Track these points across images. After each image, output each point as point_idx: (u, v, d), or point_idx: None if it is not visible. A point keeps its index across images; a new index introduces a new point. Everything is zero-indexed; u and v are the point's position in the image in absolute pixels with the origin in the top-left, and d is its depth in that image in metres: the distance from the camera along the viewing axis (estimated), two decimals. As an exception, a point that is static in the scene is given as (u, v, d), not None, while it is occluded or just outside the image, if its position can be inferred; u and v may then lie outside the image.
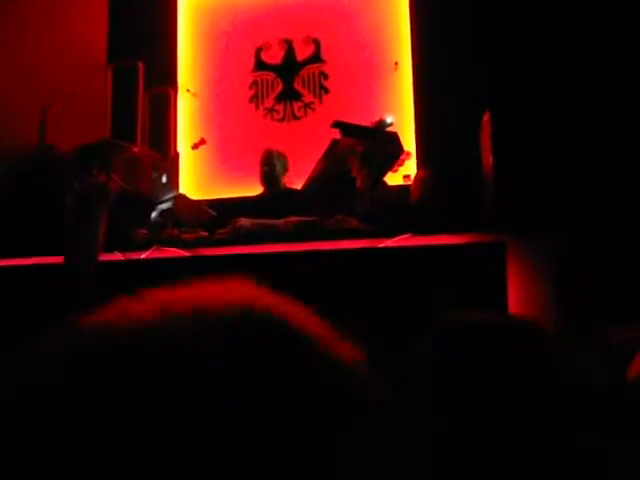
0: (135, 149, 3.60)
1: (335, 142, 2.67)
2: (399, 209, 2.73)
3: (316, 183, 2.72)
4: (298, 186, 3.20)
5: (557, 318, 2.05)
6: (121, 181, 3.10)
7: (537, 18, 3.57)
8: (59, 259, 2.47)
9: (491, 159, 2.52)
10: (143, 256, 2.65)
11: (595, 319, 1.96)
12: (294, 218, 2.63)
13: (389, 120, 3.05)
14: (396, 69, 3.88)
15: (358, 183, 2.63)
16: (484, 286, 2.08)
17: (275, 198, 3.15)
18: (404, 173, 3.48)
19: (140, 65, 3.99)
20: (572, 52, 3.36)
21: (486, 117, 2.70)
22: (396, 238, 2.34)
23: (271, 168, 3.19)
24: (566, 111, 2.91)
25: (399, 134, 2.85)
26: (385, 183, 2.90)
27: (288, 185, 3.28)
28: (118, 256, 2.68)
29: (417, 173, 3.16)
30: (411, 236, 2.34)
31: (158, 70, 4.15)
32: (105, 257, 2.68)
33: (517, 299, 2.08)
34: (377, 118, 3.05)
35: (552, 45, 3.44)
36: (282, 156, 3.26)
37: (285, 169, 3.25)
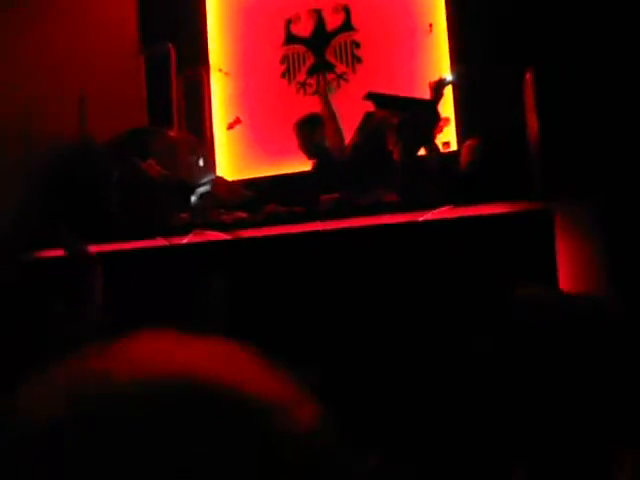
0: (171, 134, 3.63)
1: (369, 115, 2.59)
2: (440, 179, 2.64)
3: (350, 158, 2.66)
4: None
5: (607, 288, 1.95)
6: (159, 166, 3.14)
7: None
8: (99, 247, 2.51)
9: (536, 121, 2.39)
10: (185, 240, 2.69)
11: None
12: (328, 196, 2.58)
13: (448, 79, 2.96)
14: (431, 31, 3.72)
15: (395, 156, 2.56)
16: (532, 256, 2.00)
17: (326, 168, 2.95)
18: (443, 140, 3.36)
19: (171, 48, 3.98)
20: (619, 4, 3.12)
21: (528, 75, 2.55)
22: (436, 210, 2.26)
23: (306, 139, 3.07)
24: (615, 64, 2.71)
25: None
26: (437, 149, 2.79)
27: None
28: (161, 241, 2.74)
29: (466, 141, 3.01)
30: (452, 207, 2.26)
31: (190, 52, 4.14)
32: (148, 243, 2.74)
33: (566, 269, 1.99)
34: (437, 78, 2.91)
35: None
36: (313, 120, 3.09)
37: (322, 134, 3.06)
